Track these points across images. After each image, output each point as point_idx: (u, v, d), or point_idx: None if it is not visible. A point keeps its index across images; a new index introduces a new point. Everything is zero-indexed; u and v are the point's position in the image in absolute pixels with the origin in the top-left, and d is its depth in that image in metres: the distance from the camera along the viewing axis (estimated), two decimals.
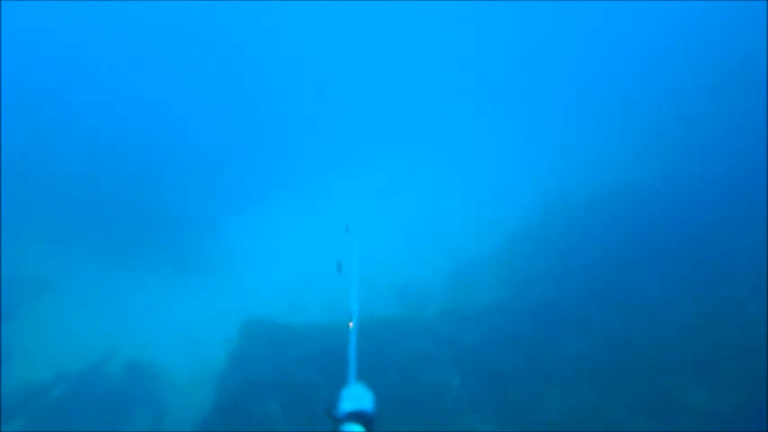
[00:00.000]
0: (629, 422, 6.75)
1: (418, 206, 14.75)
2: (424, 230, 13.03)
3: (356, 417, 1.59)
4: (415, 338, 8.20)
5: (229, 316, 9.90)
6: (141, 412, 8.94)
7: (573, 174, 14.43)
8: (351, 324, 2.26)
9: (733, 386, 7.24)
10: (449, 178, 16.56)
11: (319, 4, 27.22)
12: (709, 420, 6.83)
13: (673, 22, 24.01)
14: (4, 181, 14.31)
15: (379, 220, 13.47)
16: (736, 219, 10.09)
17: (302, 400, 7.02)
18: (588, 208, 12.12)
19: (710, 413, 6.93)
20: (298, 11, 27.58)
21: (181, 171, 16.76)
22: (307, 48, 27.95)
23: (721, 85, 17.08)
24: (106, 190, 14.92)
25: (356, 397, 1.67)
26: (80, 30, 24.34)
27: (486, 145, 18.89)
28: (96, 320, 11.21)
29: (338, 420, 1.60)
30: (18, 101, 19.22)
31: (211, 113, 22.35)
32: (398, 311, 9.39)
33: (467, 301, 9.52)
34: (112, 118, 20.08)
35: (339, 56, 27.56)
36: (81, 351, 10.51)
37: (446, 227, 13.06)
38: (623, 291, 9.05)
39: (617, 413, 6.88)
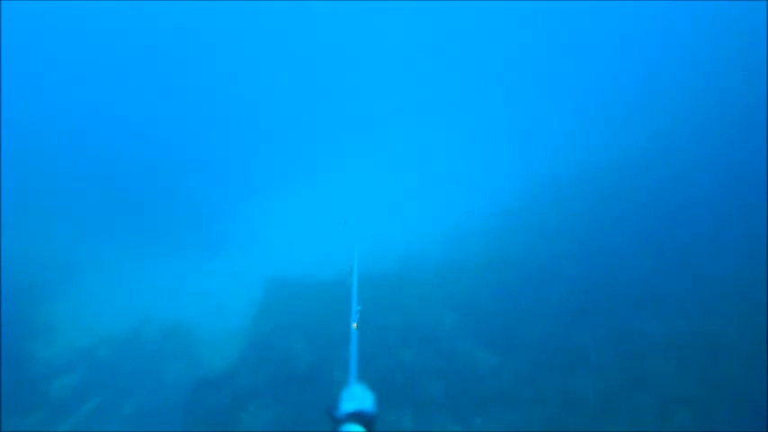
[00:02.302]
0: (592, 346, 8.10)
1: (417, 186, 16.26)
2: (421, 208, 14.52)
3: (357, 417, 1.59)
4: (414, 287, 9.60)
5: (252, 283, 11.27)
6: (177, 363, 10.26)
7: (553, 157, 15.98)
8: (355, 325, 2.24)
9: (683, 316, 8.63)
10: (444, 160, 18.15)
11: (322, 4, 28.75)
12: (661, 344, 8.20)
13: (669, 17, 25.21)
14: (44, 176, 15.84)
15: (382, 200, 14.97)
16: (691, 191, 11.57)
17: (321, 336, 8.39)
18: (565, 186, 13.64)
19: (663, 338, 8.30)
20: (304, 12, 29.11)
21: (204, 164, 18.34)
22: (312, 53, 29.53)
23: (714, 76, 18.29)
24: (136, 183, 16.42)
25: (357, 397, 1.66)
26: (113, 27, 25.59)
27: (476, 131, 20.48)
28: (132, 295, 12.56)
29: (339, 421, 1.59)
30: (53, 97, 20.73)
31: (230, 114, 23.95)
32: (400, 270, 10.73)
33: (459, 261, 10.91)
34: (146, 116, 21.60)
35: (339, 60, 29.19)
36: (119, 320, 11.84)
37: (441, 204, 14.54)
38: (594, 248, 10.49)
39: (582, 340, 8.24)
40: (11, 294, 12.44)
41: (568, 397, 7.10)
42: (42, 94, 21.08)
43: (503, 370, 7.57)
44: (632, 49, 24.42)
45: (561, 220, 12.04)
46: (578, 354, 7.89)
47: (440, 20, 29.59)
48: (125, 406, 9.32)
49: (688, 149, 13.57)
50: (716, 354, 7.77)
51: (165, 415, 8.59)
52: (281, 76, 27.26)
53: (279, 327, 9.00)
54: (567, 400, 7.03)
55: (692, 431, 6.65)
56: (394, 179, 17.12)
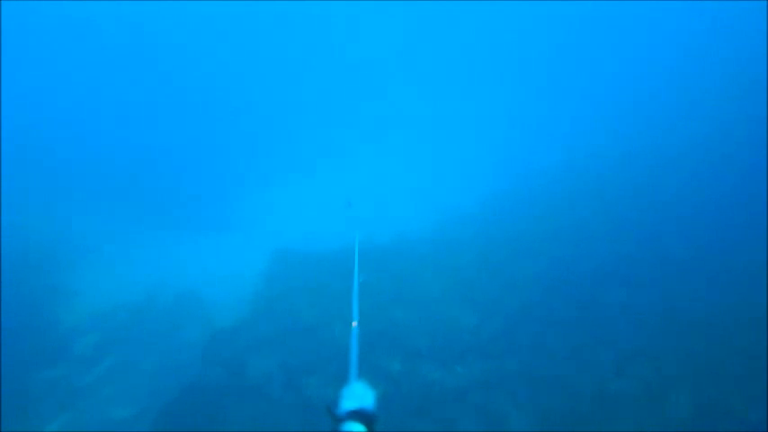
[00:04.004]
0: (563, 311, 9.10)
1: (414, 172, 17.45)
2: (417, 191, 15.64)
3: (358, 415, 1.57)
4: (406, 260, 10.60)
5: (259, 254, 12.28)
6: (190, 325, 11.24)
7: (536, 149, 17.16)
8: (354, 323, 2.22)
9: (646, 289, 9.64)
10: (439, 150, 19.33)
11: (328, 4, 29.79)
12: (623, 310, 9.19)
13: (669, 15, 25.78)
14: (66, 160, 16.95)
15: (381, 183, 16.11)
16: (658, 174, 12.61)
17: (323, 297, 9.40)
18: (546, 176, 14.76)
19: (625, 306, 9.30)
20: (314, 7, 30.10)
21: (216, 147, 19.50)
22: (320, 48, 30.62)
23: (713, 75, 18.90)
24: (152, 165, 17.51)
25: (357, 395, 1.66)
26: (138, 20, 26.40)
27: (469, 125, 21.62)
28: (147, 266, 13.55)
29: (339, 419, 1.57)
30: (70, 85, 21.78)
31: (240, 101, 25.06)
32: (397, 245, 11.73)
33: (449, 239, 11.93)
34: (161, 103, 22.66)
35: (344, 55, 30.34)
36: (135, 288, 12.84)
37: (436, 189, 15.67)
38: (568, 229, 11.55)
39: (554, 306, 9.24)
40: (36, 265, 13.45)
41: (539, 350, 8.11)
42: (57, 80, 22.09)
43: (482, 328, 8.58)
44: (623, 46, 25.23)
45: (540, 205, 13.12)
46: (550, 317, 8.90)
47: (437, 16, 30.57)
48: (143, 361, 10.32)
49: (663, 143, 14.62)
50: (672, 318, 8.78)
51: (180, 370, 9.57)
52: (288, 67, 28.42)
53: (284, 290, 10.00)
54: (537, 353, 8.04)
55: (647, 379, 7.65)
56: (394, 165, 18.29)
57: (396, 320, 8.68)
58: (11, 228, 14.33)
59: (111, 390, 9.57)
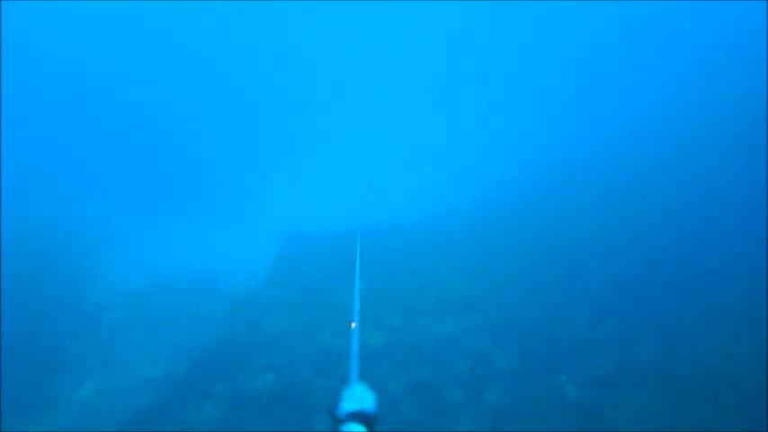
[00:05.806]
0: (545, 276, 10.16)
1: (415, 164, 18.66)
2: (416, 179, 16.82)
3: (358, 417, 1.60)
4: (407, 238, 11.70)
5: (271, 236, 13.39)
6: (210, 300, 12.28)
7: (529, 145, 18.36)
8: (353, 324, 2.25)
9: (625, 257, 10.69)
10: (435, 147, 20.52)
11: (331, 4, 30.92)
12: (603, 278, 10.23)
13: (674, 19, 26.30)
14: (96, 151, 18.18)
15: (385, 172, 17.36)
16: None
17: (330, 268, 10.47)
18: (534, 166, 15.95)
19: (606, 275, 10.35)
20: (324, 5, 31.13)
21: (231, 138, 20.75)
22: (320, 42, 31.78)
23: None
24: (171, 155, 18.73)
25: (358, 397, 1.68)
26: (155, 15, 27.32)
27: (465, 121, 22.83)
28: (166, 250, 14.64)
29: (340, 420, 1.61)
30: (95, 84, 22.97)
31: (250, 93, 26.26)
32: (397, 224, 12.84)
33: (445, 221, 13.04)
34: (180, 97, 23.84)
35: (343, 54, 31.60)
36: (156, 270, 13.90)
37: (430, 185, 16.85)
38: (553, 209, 12.67)
39: (538, 272, 10.31)
40: (64, 252, 14.54)
41: (522, 307, 9.18)
42: (67, 75, 23.13)
43: (473, 290, 9.66)
44: (628, 46, 26.02)
45: (529, 192, 14.26)
46: (533, 282, 9.98)
47: (442, 11, 31.51)
48: (168, 330, 11.36)
49: (645, 130, 15.78)
50: (644, 281, 9.83)
51: (204, 334, 10.60)
52: (298, 58, 29.54)
53: (295, 266, 11.08)
54: (521, 309, 9.11)
55: (618, 331, 8.68)
56: (397, 156, 19.60)
57: (397, 285, 9.75)
58: (40, 217, 15.45)
59: (140, 354, 10.61)
